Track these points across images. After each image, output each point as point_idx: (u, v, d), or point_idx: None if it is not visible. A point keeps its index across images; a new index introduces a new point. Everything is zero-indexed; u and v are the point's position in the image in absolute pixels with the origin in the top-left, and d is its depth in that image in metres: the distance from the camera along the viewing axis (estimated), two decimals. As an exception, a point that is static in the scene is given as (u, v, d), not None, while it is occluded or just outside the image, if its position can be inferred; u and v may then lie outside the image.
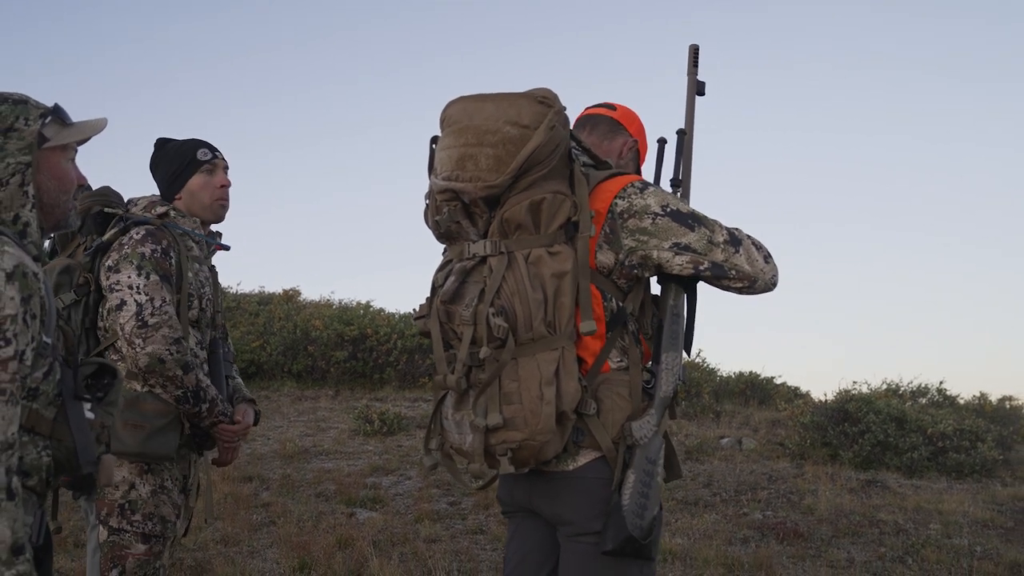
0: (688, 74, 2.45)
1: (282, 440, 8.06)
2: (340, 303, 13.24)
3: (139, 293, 2.59)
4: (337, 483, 6.79)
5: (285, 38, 23.08)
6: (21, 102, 1.85)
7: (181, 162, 2.84)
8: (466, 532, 5.79)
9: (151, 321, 2.56)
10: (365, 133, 22.51)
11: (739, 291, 2.15)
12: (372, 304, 12.89)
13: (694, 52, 2.45)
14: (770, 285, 2.17)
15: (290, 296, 13.61)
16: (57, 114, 1.89)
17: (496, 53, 22.01)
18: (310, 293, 14.29)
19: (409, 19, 22.12)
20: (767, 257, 2.16)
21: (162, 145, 2.91)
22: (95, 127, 1.95)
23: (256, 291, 13.78)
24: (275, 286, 14.20)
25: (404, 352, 10.69)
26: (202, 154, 2.83)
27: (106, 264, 2.67)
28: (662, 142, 2.47)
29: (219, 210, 2.86)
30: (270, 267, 24.20)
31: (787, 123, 21.21)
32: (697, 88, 2.44)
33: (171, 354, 2.56)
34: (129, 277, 2.61)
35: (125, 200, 2.89)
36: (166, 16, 22.72)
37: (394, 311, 12.30)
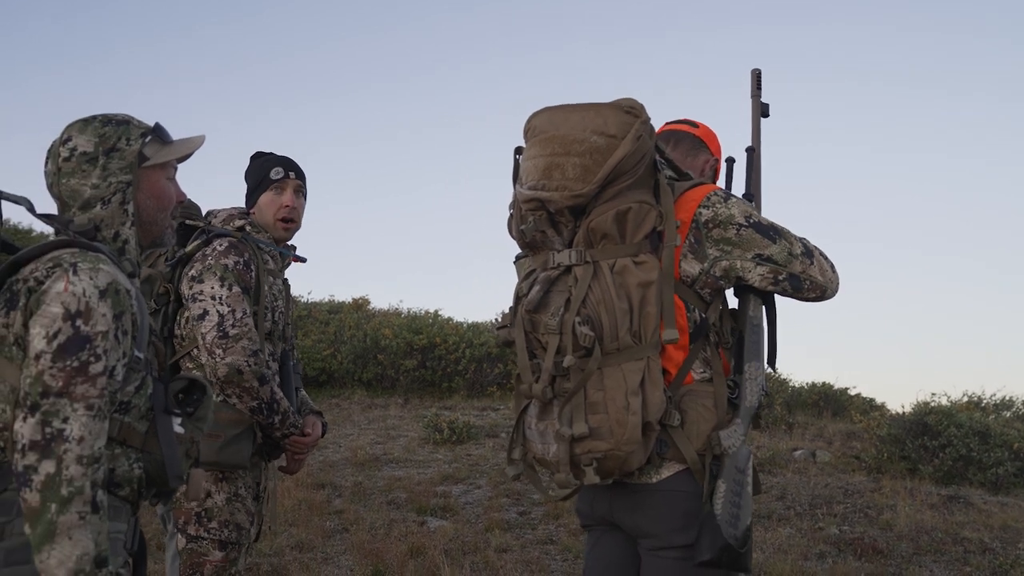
0: (752, 96, 2.53)
1: (353, 448, 8.16)
2: (409, 312, 13.36)
3: (221, 304, 2.65)
4: (408, 491, 6.84)
5: (349, 35, 23.30)
6: (123, 122, 1.89)
7: (256, 178, 2.92)
8: (536, 542, 5.77)
9: (232, 332, 2.61)
10: (437, 140, 22.65)
11: (811, 300, 2.21)
12: (440, 313, 12.99)
13: (757, 77, 2.53)
14: (835, 293, 2.24)
15: (360, 305, 13.78)
16: (157, 133, 1.93)
17: (561, 59, 21.99)
18: (379, 302, 14.46)
19: (483, 15, 22.12)
20: (833, 267, 2.23)
21: (254, 158, 3.00)
22: (194, 144, 1.98)
23: (326, 300, 13.99)
24: (345, 295, 14.38)
25: (472, 361, 10.74)
26: (275, 173, 2.89)
27: (189, 274, 2.73)
28: (730, 161, 2.56)
29: (281, 230, 2.89)
30: (340, 276, 24.54)
31: (854, 139, 20.76)
32: (762, 110, 2.52)
33: (249, 365, 2.61)
34: (212, 288, 2.67)
35: (204, 212, 2.98)
36: (239, 10, 23.10)
37: (462, 320, 12.39)
